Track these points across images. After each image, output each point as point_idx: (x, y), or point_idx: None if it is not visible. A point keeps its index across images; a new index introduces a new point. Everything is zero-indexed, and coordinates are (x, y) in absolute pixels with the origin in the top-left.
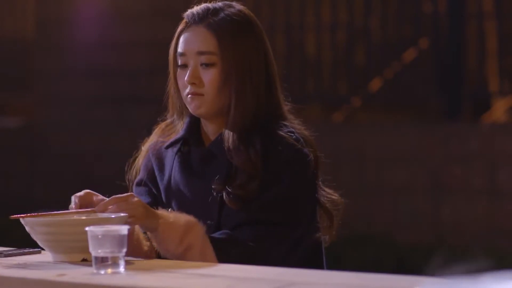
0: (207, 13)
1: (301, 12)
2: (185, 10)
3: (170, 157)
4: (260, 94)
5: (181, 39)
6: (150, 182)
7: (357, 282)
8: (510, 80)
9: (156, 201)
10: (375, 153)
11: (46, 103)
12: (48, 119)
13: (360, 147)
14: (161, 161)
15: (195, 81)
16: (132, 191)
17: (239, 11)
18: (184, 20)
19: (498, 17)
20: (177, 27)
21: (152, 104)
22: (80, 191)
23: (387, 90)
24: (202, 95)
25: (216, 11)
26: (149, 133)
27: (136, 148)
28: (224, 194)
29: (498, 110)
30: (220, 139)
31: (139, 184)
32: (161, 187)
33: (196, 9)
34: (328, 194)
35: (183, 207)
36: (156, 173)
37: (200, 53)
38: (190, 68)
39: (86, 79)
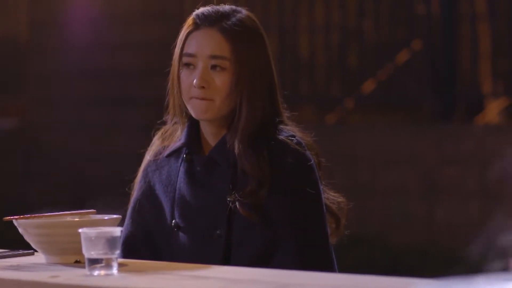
0: (220, 16)
1: (294, 13)
2: (179, 12)
3: (175, 167)
4: (265, 100)
5: (191, 40)
6: (146, 200)
7: (351, 283)
8: (503, 82)
9: (151, 221)
10: (368, 155)
11: (39, 105)
12: (41, 121)
13: (354, 149)
14: (162, 171)
15: (205, 84)
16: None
17: (248, 16)
18: (193, 21)
19: (491, 18)
20: (183, 26)
21: (145, 106)
22: (73, 192)
23: (381, 92)
24: (211, 100)
25: (228, 15)
26: (145, 135)
27: (129, 150)
28: (237, 203)
29: (491, 112)
30: (221, 144)
31: (135, 207)
32: (165, 199)
33: (207, 10)
34: (333, 197)
35: (187, 217)
36: (157, 186)
37: (213, 56)
38: (199, 71)
39: (79, 81)
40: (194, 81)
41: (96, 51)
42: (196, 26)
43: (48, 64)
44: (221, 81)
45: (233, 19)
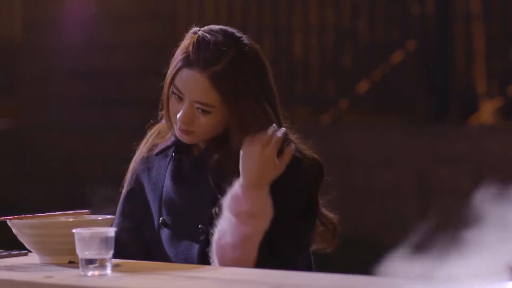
0: (214, 58)
1: (289, 14)
2: (173, 12)
3: (163, 165)
4: (261, 121)
5: (182, 75)
6: (135, 198)
7: (345, 284)
8: (498, 82)
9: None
10: (363, 155)
11: (33, 105)
12: (36, 121)
13: (348, 149)
14: (151, 170)
15: (188, 121)
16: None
17: (245, 53)
18: (189, 53)
19: (486, 19)
20: (181, 42)
21: (140, 106)
22: (68, 192)
23: (375, 92)
24: (193, 132)
25: (221, 54)
26: (140, 135)
27: (124, 150)
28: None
29: (486, 112)
30: (211, 148)
31: (129, 195)
32: (152, 197)
33: (205, 45)
34: (326, 213)
35: (173, 214)
36: (146, 184)
37: (199, 102)
38: (184, 108)
39: (73, 81)
40: (178, 115)
41: (91, 52)
42: (189, 62)
43: (42, 64)
44: (205, 121)
45: (226, 60)
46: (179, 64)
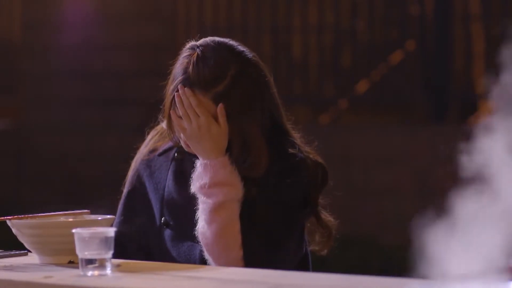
0: (213, 79)
1: (288, 14)
2: (172, 13)
3: (165, 166)
4: (265, 131)
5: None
6: (136, 198)
7: (344, 284)
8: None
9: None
10: (362, 155)
11: (32, 105)
12: (35, 121)
13: (347, 149)
14: (153, 171)
15: None
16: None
17: (245, 68)
18: (186, 75)
19: (485, 19)
20: (180, 54)
21: (139, 106)
22: (67, 192)
23: (374, 92)
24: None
25: (222, 74)
26: (139, 135)
27: (124, 150)
28: None
29: (485, 112)
30: None
31: (130, 195)
32: (154, 197)
33: (201, 68)
34: (325, 216)
35: (175, 215)
36: (147, 185)
37: None
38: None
39: (72, 81)
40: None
41: (90, 52)
42: (190, 83)
43: (41, 64)
44: None
45: (229, 80)
46: (180, 85)
